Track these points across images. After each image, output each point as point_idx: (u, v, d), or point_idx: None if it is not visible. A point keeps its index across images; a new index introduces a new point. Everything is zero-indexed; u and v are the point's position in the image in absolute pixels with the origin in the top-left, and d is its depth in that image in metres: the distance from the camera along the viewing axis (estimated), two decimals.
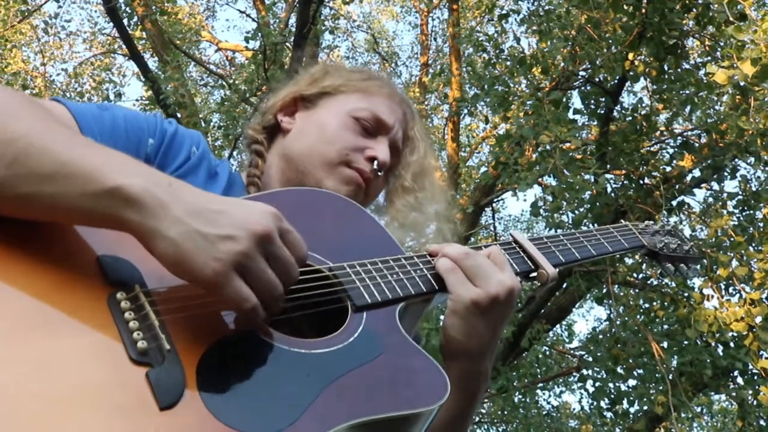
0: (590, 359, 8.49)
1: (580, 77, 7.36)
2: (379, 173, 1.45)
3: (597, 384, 7.80)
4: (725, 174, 6.99)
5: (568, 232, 1.46)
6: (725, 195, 7.34)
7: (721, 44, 6.56)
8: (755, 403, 6.76)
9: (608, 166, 7.03)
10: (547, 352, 11.22)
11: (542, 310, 8.42)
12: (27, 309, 0.83)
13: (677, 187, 7.18)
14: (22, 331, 0.81)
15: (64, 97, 10.56)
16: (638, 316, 7.49)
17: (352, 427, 0.89)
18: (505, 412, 11.03)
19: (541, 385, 11.14)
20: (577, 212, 6.65)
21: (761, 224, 6.90)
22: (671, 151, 7.73)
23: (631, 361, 7.07)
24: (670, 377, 6.55)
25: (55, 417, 0.74)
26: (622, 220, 1.73)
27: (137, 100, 12.26)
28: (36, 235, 0.92)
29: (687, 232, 8.21)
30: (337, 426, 0.87)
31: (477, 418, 10.99)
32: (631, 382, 7.51)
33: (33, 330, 0.81)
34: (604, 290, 7.46)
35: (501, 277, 1.16)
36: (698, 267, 1.66)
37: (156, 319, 0.88)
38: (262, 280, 0.91)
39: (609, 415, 8.30)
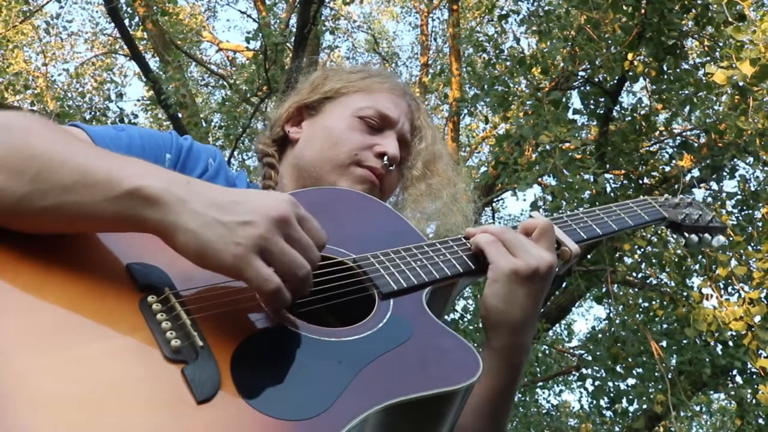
0: (590, 358, 8.51)
1: (579, 77, 7.39)
2: (391, 168, 1.47)
3: (596, 383, 7.82)
4: (724, 174, 7.01)
5: (587, 209, 1.45)
6: (724, 195, 7.36)
7: (720, 44, 6.59)
8: (754, 401, 6.78)
9: (607, 165, 7.06)
10: (547, 351, 11.24)
11: (542, 309, 8.44)
12: (62, 318, 0.86)
13: (676, 186, 7.20)
14: (59, 340, 0.84)
15: (65, 98, 10.59)
16: (637, 316, 7.50)
17: (387, 408, 0.89)
18: None
19: (540, 383, 11.17)
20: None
21: (760, 224, 6.92)
22: (670, 150, 7.76)
23: (630, 360, 7.08)
24: (670, 376, 6.56)
25: (97, 417, 0.77)
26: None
27: (138, 100, 12.31)
28: (65, 249, 0.95)
29: None
30: (373, 408, 0.88)
31: None
32: (631, 381, 7.51)
33: (69, 337, 0.84)
34: (604, 289, 7.49)
35: (542, 253, 1.18)
36: (722, 237, 1.63)
37: (187, 318, 0.90)
38: (285, 259, 0.92)
39: (608, 413, 8.34)
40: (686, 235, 1.60)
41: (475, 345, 1.31)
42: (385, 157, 1.45)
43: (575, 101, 12.57)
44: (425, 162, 1.56)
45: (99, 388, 0.80)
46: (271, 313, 0.98)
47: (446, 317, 1.33)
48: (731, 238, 6.50)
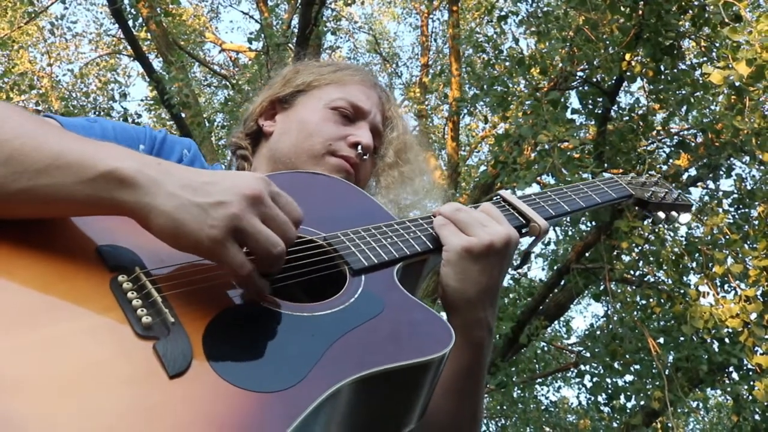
0: (588, 355, 8.57)
1: (578, 77, 7.45)
2: (365, 157, 1.49)
3: (594, 379, 7.86)
4: (721, 173, 7.05)
5: (555, 187, 1.47)
6: (721, 193, 7.39)
7: (717, 45, 6.65)
8: (750, 398, 6.80)
9: (605, 165, 7.11)
10: (546, 348, 11.28)
11: (541, 307, 8.51)
12: (32, 300, 0.86)
13: (673, 185, 7.25)
14: (29, 320, 0.84)
15: (70, 98, 10.63)
16: (635, 313, 7.52)
17: (360, 380, 0.89)
18: (504, 407, 11.10)
19: (539, 380, 11.21)
20: None
21: (756, 222, 6.97)
22: (668, 150, 7.81)
23: (628, 356, 7.10)
24: (667, 373, 6.59)
25: (71, 396, 0.77)
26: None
27: (142, 100, 12.40)
28: (36, 233, 0.94)
29: (683, 230, 8.29)
30: (346, 380, 0.88)
31: None
32: (628, 378, 7.53)
33: (40, 318, 0.84)
34: (602, 287, 7.54)
35: (496, 227, 1.18)
36: (688, 214, 1.64)
37: (158, 296, 0.91)
38: (260, 237, 0.93)
39: (606, 410, 8.40)
40: (653, 212, 1.61)
41: None
42: (359, 147, 1.48)
43: (574, 101, 12.60)
44: (396, 150, 1.59)
45: (72, 367, 0.80)
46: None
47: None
48: (728, 236, 6.58)
